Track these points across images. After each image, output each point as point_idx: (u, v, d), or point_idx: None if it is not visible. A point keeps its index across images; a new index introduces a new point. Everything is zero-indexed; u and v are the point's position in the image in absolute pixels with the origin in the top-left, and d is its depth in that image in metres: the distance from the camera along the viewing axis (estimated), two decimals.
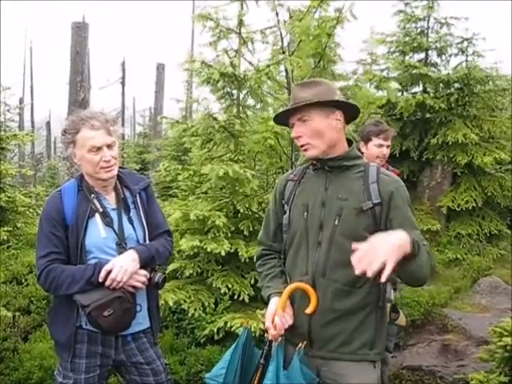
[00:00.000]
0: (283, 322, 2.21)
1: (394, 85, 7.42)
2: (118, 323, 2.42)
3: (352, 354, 2.23)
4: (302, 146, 2.29)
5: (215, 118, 4.73)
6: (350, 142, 2.36)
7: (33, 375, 3.93)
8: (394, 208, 2.18)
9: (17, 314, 4.95)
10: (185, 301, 4.42)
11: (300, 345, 2.23)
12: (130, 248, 2.51)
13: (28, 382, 3.91)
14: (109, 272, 2.39)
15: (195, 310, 4.41)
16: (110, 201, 2.59)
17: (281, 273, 2.43)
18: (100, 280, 2.39)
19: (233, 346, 2.35)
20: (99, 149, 2.44)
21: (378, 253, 1.85)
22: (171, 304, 4.32)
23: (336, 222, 2.21)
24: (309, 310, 2.18)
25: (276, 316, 2.21)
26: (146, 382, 2.64)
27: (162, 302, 4.22)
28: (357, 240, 2.17)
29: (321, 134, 2.23)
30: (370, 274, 1.85)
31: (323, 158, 2.28)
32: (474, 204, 7.88)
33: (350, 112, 2.35)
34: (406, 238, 1.93)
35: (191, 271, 4.59)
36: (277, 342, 2.25)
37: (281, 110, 2.39)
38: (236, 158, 4.79)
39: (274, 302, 2.28)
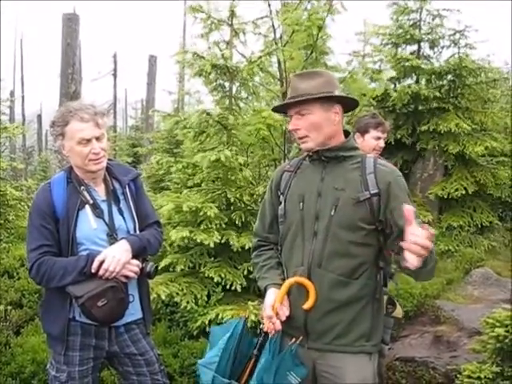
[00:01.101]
0: (281, 314, 2.22)
1: (387, 74, 7.42)
2: (112, 313, 2.43)
3: (348, 346, 2.23)
4: (299, 138, 2.29)
5: (209, 114, 4.71)
6: (347, 134, 2.36)
7: (25, 369, 3.91)
8: (393, 198, 2.17)
9: (9, 307, 4.92)
10: (177, 293, 4.41)
11: (294, 339, 2.24)
12: (122, 238, 2.51)
13: (20, 376, 3.89)
14: (101, 262, 2.39)
15: (187, 302, 4.40)
16: (100, 192, 2.58)
17: (277, 264, 2.42)
18: (93, 270, 2.39)
19: (228, 335, 2.34)
20: (88, 141, 2.43)
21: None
22: (163, 297, 4.31)
23: (332, 213, 2.21)
24: (306, 306, 2.18)
25: (269, 315, 2.21)
26: (140, 373, 2.65)
27: (154, 295, 4.21)
28: (352, 230, 2.18)
29: (319, 127, 2.24)
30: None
31: (320, 149, 2.27)
32: (464, 192, 7.89)
33: (348, 105, 2.36)
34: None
35: (183, 266, 4.57)
36: (272, 333, 2.24)
37: (281, 102, 2.39)
38: (227, 148, 4.76)
39: (272, 293, 2.27)
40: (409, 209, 1.86)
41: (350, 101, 2.35)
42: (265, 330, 2.25)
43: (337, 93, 2.27)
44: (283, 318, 2.22)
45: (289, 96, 2.30)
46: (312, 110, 2.23)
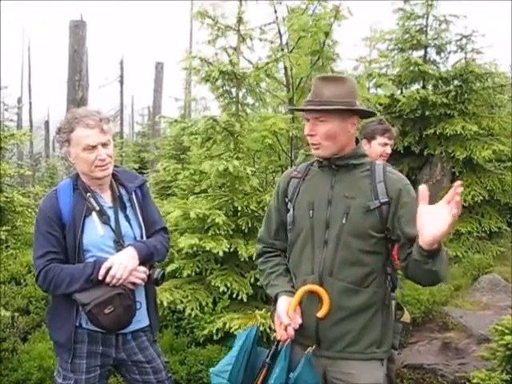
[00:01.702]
0: (294, 322, 2.20)
1: (390, 76, 7.45)
2: (119, 320, 2.42)
3: (360, 353, 2.23)
4: (312, 143, 2.28)
5: (215, 120, 4.71)
6: (356, 141, 2.36)
7: (32, 376, 3.91)
8: (402, 206, 2.17)
9: (16, 314, 4.93)
10: (181, 301, 4.39)
11: (309, 349, 2.22)
12: (129, 245, 2.50)
13: (27, 383, 3.90)
14: (108, 269, 2.39)
15: (192, 309, 4.38)
16: (106, 199, 2.58)
17: (285, 271, 2.41)
18: (100, 278, 2.38)
19: (240, 343, 2.32)
20: (94, 147, 2.43)
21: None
22: (165, 304, 4.30)
23: (343, 221, 2.20)
24: (320, 314, 2.17)
25: (287, 323, 2.19)
26: (147, 381, 2.64)
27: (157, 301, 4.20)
28: (363, 239, 2.17)
29: (334, 137, 2.23)
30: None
31: (331, 157, 2.27)
32: (481, 198, 7.86)
33: (364, 115, 2.37)
34: None
35: (190, 271, 4.56)
36: (286, 341, 2.22)
37: (303, 106, 2.35)
38: (235, 156, 4.77)
39: (284, 301, 2.25)
40: (423, 188, 1.88)
41: (369, 114, 2.36)
42: (278, 338, 2.23)
43: (357, 103, 2.26)
44: (297, 326, 2.20)
45: (311, 98, 2.27)
46: (331, 119, 2.22)
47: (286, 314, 2.20)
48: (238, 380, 2.25)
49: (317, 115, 2.24)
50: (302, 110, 2.36)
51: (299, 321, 2.22)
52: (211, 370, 2.35)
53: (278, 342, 2.23)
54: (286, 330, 2.19)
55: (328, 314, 2.17)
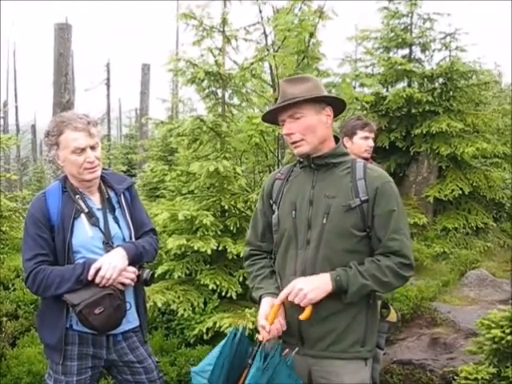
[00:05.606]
0: (278, 328, 2.22)
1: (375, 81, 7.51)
2: (109, 321, 2.43)
3: (343, 352, 2.23)
4: (293, 142, 2.28)
5: (202, 120, 4.71)
6: (336, 139, 2.36)
7: (21, 381, 3.88)
8: (377, 205, 2.19)
9: (4, 319, 4.90)
10: (174, 301, 4.40)
11: (288, 350, 2.22)
12: (118, 246, 2.52)
13: None
14: (98, 270, 2.39)
15: (184, 310, 4.39)
16: (95, 201, 2.60)
17: (271, 273, 2.42)
18: (89, 278, 2.39)
19: (222, 343, 2.32)
20: (83, 150, 2.45)
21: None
22: (160, 305, 4.30)
23: (324, 221, 2.20)
24: (302, 317, 2.17)
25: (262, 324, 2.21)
26: (139, 381, 2.65)
27: (150, 303, 4.21)
28: (345, 238, 2.17)
29: (313, 129, 2.24)
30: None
31: (312, 155, 2.27)
32: (461, 192, 7.93)
33: (337, 108, 2.36)
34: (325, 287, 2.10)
35: (180, 273, 4.56)
36: (267, 342, 2.23)
37: (271, 107, 2.38)
38: (222, 157, 4.77)
39: (266, 303, 2.27)
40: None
41: (339, 103, 2.35)
42: (259, 339, 2.23)
43: (325, 94, 2.28)
44: (281, 331, 2.23)
45: (279, 101, 2.30)
46: (305, 112, 2.23)
47: (265, 316, 2.21)
48: (218, 380, 2.23)
49: (290, 113, 2.25)
50: (274, 113, 2.34)
51: (284, 326, 2.24)
52: (193, 368, 2.34)
53: (260, 342, 2.24)
54: (268, 331, 2.20)
55: (310, 316, 2.17)
